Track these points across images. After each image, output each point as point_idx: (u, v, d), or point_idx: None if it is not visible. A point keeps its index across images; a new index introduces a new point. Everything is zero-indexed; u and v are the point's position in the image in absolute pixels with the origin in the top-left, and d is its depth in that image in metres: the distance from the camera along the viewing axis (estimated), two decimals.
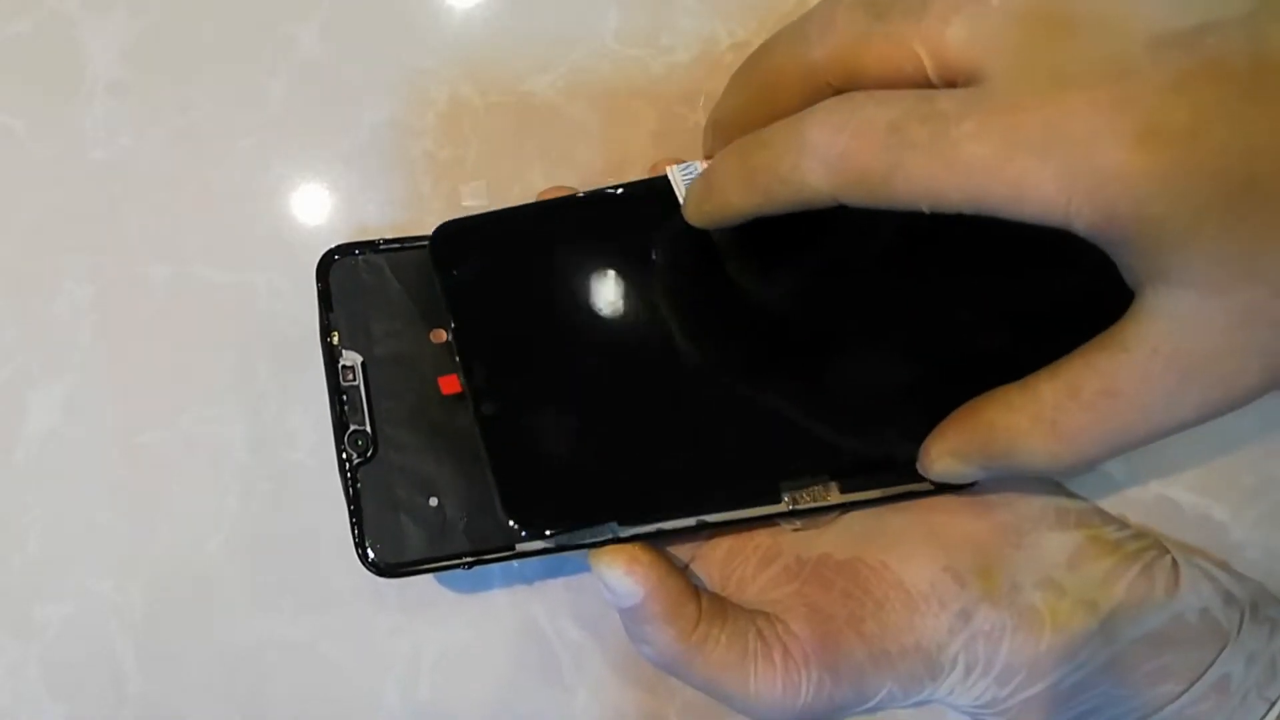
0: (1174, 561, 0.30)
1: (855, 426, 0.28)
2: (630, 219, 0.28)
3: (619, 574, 0.28)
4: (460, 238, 0.28)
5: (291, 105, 0.34)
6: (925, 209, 0.23)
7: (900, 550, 0.29)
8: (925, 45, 0.23)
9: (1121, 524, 0.31)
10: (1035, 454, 0.25)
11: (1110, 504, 0.33)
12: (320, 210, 0.34)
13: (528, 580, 0.34)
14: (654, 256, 0.28)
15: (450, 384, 0.28)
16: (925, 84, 0.23)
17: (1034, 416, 0.25)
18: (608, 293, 0.28)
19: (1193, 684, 0.28)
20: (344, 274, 0.29)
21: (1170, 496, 0.33)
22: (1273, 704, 0.28)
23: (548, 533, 0.27)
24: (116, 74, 0.34)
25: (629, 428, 0.28)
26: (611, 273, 0.28)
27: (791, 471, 0.28)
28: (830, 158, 0.23)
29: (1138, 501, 0.33)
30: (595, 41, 0.34)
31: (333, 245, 0.29)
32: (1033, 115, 0.21)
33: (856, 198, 0.23)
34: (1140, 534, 0.31)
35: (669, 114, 0.34)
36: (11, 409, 0.34)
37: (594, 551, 0.28)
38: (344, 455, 0.28)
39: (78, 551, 0.34)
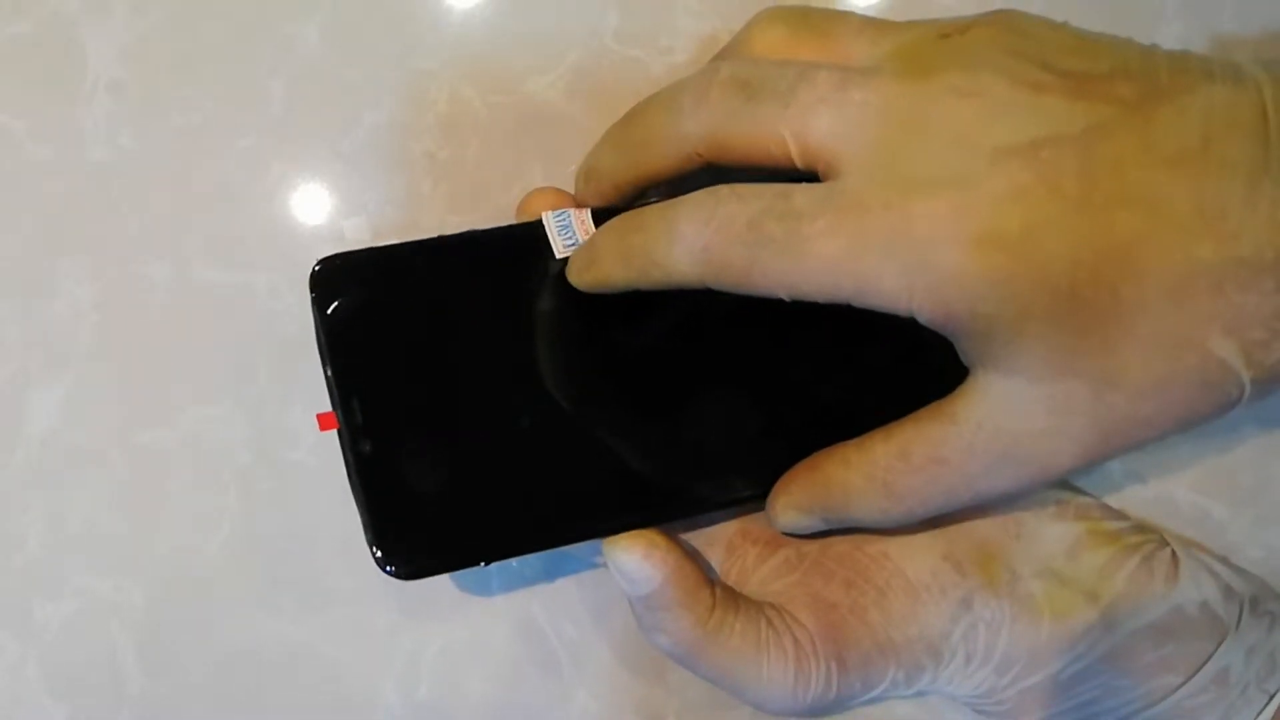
0: (1174, 554, 0.30)
1: (708, 470, 0.29)
2: (506, 260, 0.29)
3: (637, 559, 0.28)
4: (340, 273, 0.28)
5: (291, 105, 0.34)
6: (785, 298, 0.25)
7: (900, 540, 0.30)
8: (790, 131, 0.24)
9: (1121, 516, 0.31)
10: (868, 510, 0.27)
11: (1109, 502, 0.33)
12: (320, 210, 0.34)
13: (526, 579, 0.34)
14: (528, 298, 0.29)
15: (327, 421, 0.28)
16: (790, 166, 0.25)
17: (868, 476, 0.26)
18: (483, 333, 0.28)
19: (1192, 676, 0.28)
20: (339, 279, 0.28)
21: (1169, 495, 0.33)
22: (1272, 696, 0.28)
23: (419, 574, 0.28)
24: (116, 74, 0.34)
25: (501, 468, 0.28)
26: (487, 313, 0.28)
27: (647, 509, 0.29)
28: (695, 250, 0.25)
29: (1137, 499, 0.33)
30: (595, 42, 0.34)
31: (324, 255, 0.29)
32: (879, 217, 0.23)
33: (722, 286, 0.25)
34: (1140, 527, 0.31)
35: None
36: (11, 409, 0.34)
37: (609, 539, 0.28)
38: (350, 456, 0.28)
39: (78, 551, 0.34)
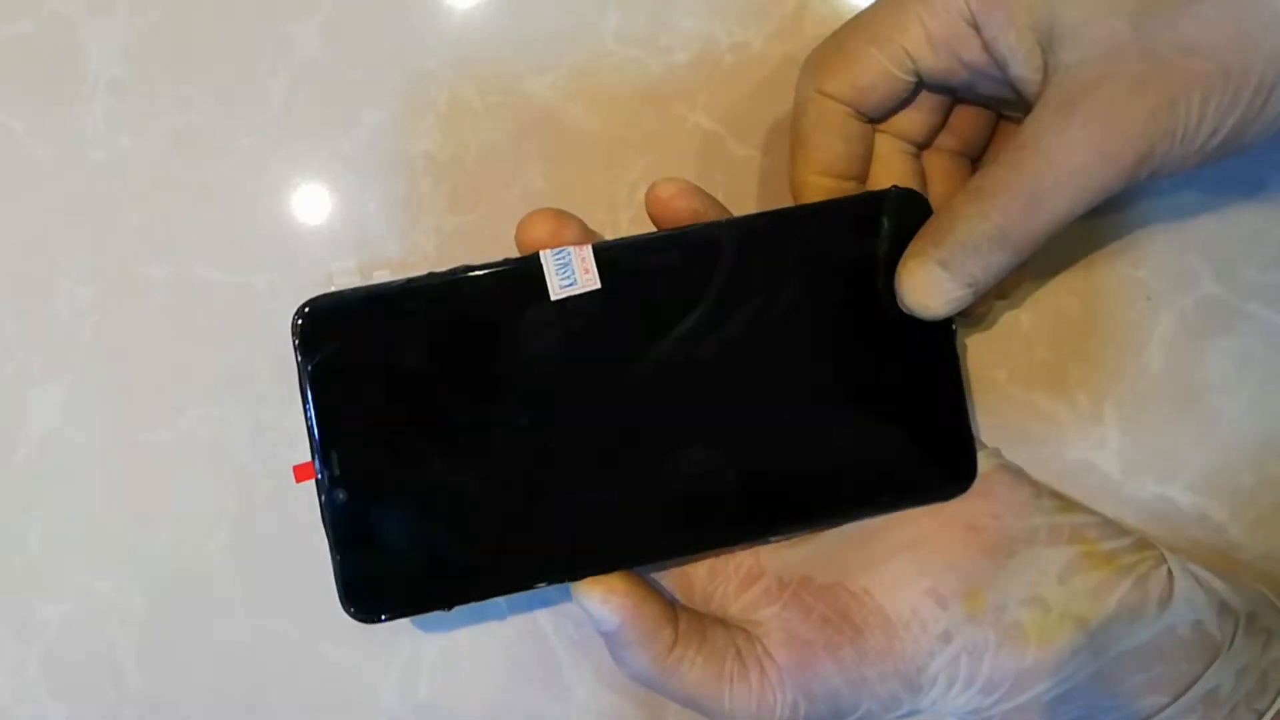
0: (1169, 572, 0.30)
1: (680, 524, 0.29)
2: (498, 302, 0.28)
3: (596, 603, 0.28)
4: (325, 321, 0.27)
5: (291, 105, 0.34)
6: None
7: (883, 574, 0.30)
8: None
9: (1121, 533, 0.31)
10: (969, 219, 0.27)
11: (1109, 504, 0.33)
12: (320, 210, 0.34)
13: None
14: (516, 344, 0.28)
15: (304, 472, 0.28)
16: None
17: (963, 193, 0.28)
18: (466, 380, 0.28)
19: (1179, 696, 0.28)
20: (325, 327, 0.28)
21: (1169, 496, 0.33)
22: (1261, 716, 0.28)
23: (383, 618, 0.28)
24: (116, 74, 0.34)
25: (476, 517, 0.28)
26: (473, 359, 0.28)
27: (611, 560, 0.29)
28: None
29: (1137, 501, 0.33)
30: (594, 42, 0.34)
31: (308, 299, 0.28)
32: None
33: None
34: (1140, 543, 0.30)
35: (668, 114, 0.34)
36: (11, 409, 0.34)
37: (575, 583, 0.28)
38: (325, 503, 0.28)
39: (78, 551, 0.34)
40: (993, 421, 0.34)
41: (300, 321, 0.27)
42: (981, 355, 0.34)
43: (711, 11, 0.34)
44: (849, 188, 0.31)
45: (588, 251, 0.28)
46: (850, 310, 0.29)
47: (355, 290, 0.28)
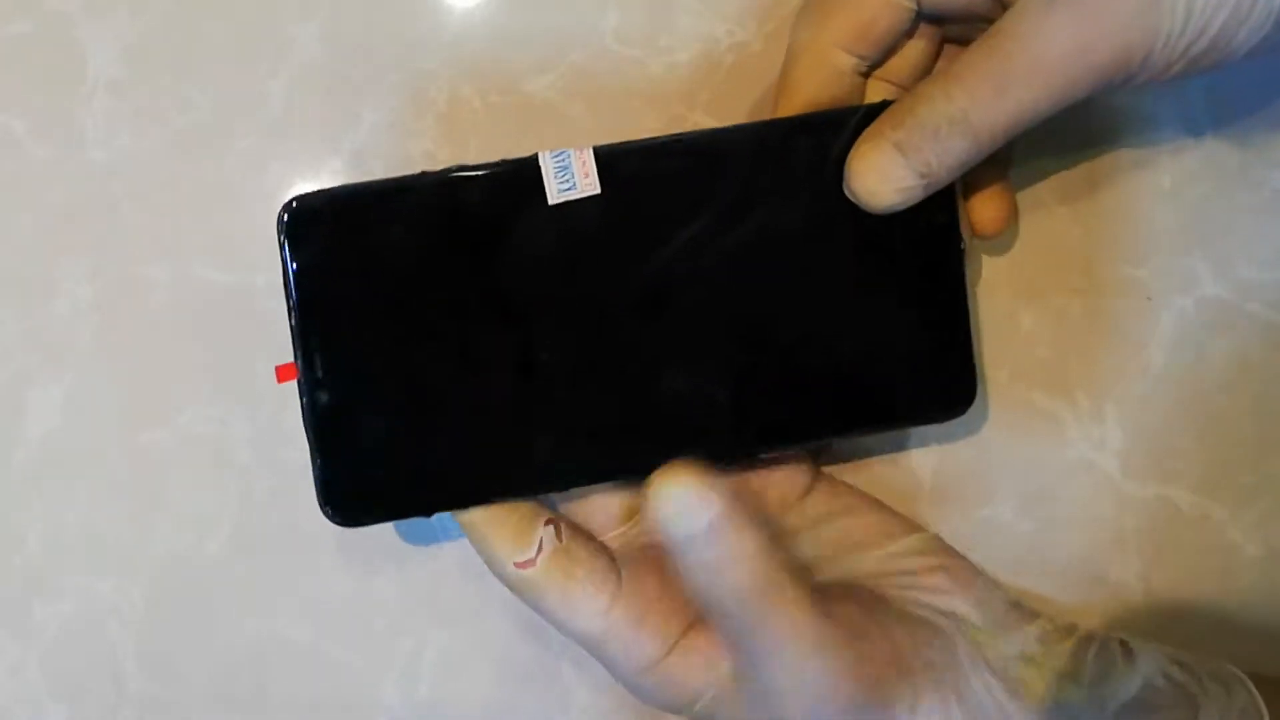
0: (1119, 641, 0.30)
1: (670, 432, 0.28)
2: (492, 203, 0.27)
3: (689, 494, 0.25)
4: (314, 217, 0.26)
5: (291, 105, 0.34)
6: None
7: None
8: None
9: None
10: (931, 99, 0.26)
11: (1110, 504, 0.33)
12: None
13: None
14: (510, 246, 0.27)
15: (286, 372, 0.27)
16: None
17: (929, 77, 0.27)
18: (456, 282, 0.27)
19: None
20: (313, 224, 0.27)
21: (1170, 496, 0.33)
22: None
23: (363, 522, 0.27)
24: (116, 74, 0.34)
25: (459, 422, 0.27)
26: (464, 261, 0.27)
27: (601, 472, 0.29)
28: None
29: (1137, 501, 0.33)
30: (594, 42, 0.34)
31: (296, 193, 0.27)
32: None
33: None
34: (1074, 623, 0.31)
35: (668, 114, 0.34)
36: (11, 409, 0.34)
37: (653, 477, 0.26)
38: (307, 405, 0.27)
39: (78, 551, 0.34)
40: (993, 421, 0.34)
41: (286, 217, 0.27)
42: (982, 355, 0.34)
43: (711, 11, 0.34)
44: None
45: (588, 154, 0.27)
46: (855, 224, 0.28)
47: (344, 187, 0.27)
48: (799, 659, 0.26)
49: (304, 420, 0.27)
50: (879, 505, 0.32)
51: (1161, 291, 0.33)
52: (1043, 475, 0.32)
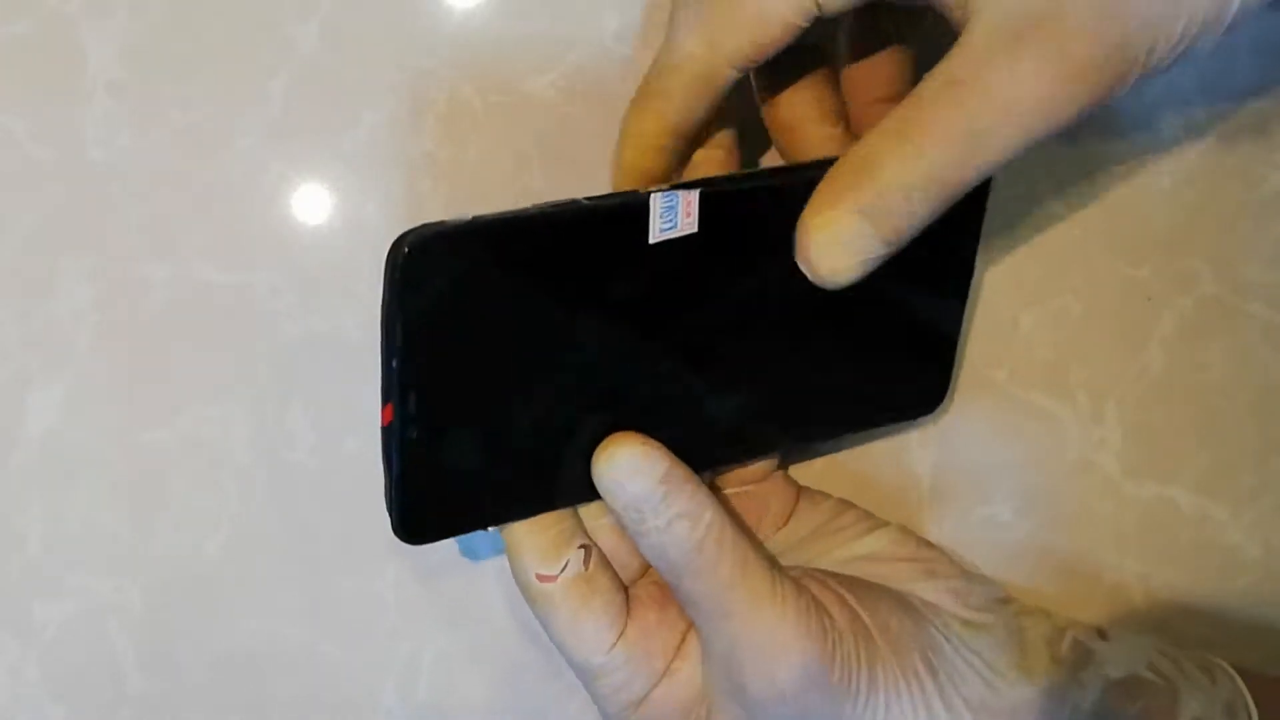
0: (1093, 627, 0.30)
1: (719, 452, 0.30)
2: (597, 241, 0.27)
3: (630, 460, 0.26)
4: (428, 257, 0.25)
5: (291, 105, 0.34)
6: None
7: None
8: None
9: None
10: (901, 159, 0.24)
11: (1109, 504, 0.33)
12: (320, 210, 0.34)
13: None
14: (607, 281, 0.27)
15: (387, 414, 0.27)
16: None
17: (881, 131, 0.24)
18: (559, 317, 0.27)
19: None
20: (427, 264, 0.26)
21: (1170, 496, 0.33)
22: None
23: (429, 538, 0.28)
24: (116, 74, 0.34)
25: (541, 447, 0.28)
26: (568, 296, 0.27)
27: None
28: None
29: (1137, 501, 0.33)
30: (594, 42, 0.34)
31: (411, 229, 0.26)
32: None
33: None
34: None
35: None
36: (11, 409, 0.34)
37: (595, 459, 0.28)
38: (395, 441, 0.27)
39: (78, 551, 0.34)
40: (993, 421, 0.34)
41: (407, 251, 0.25)
42: (982, 355, 0.34)
43: None
44: (682, 148, 0.29)
45: (694, 196, 0.27)
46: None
47: (460, 223, 0.25)
48: (753, 611, 0.26)
49: (388, 452, 0.27)
50: (850, 505, 0.32)
51: (1161, 291, 0.33)
52: (1043, 475, 0.32)
